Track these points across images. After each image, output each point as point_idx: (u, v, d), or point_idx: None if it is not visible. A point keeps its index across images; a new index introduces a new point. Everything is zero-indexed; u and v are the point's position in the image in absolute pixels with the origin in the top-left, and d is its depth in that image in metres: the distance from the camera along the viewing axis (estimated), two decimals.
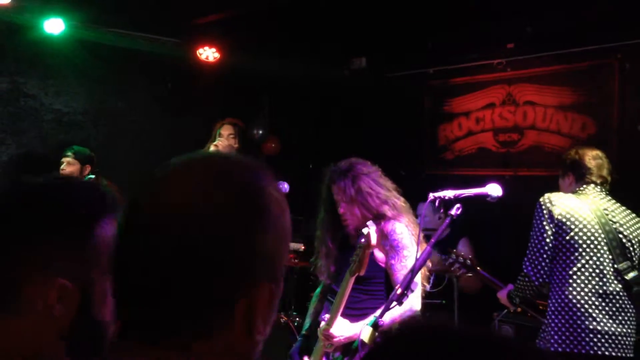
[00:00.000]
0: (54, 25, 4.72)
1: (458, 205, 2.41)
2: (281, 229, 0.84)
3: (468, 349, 0.62)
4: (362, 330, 2.31)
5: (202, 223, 0.77)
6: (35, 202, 1.05)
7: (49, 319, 1.01)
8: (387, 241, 2.83)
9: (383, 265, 2.87)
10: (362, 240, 2.66)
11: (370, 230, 2.63)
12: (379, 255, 2.87)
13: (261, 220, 0.81)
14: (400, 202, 2.94)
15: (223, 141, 4.19)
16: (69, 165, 4.52)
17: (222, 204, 0.79)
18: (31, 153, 5.13)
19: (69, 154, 4.57)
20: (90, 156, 4.66)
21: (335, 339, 2.73)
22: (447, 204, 2.47)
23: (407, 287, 2.28)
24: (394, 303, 2.28)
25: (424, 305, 2.89)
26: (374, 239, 2.62)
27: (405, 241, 2.82)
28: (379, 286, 2.90)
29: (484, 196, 2.57)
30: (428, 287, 3.03)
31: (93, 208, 1.05)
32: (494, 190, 2.57)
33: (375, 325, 2.26)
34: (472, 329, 0.65)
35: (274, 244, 0.82)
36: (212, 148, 4.09)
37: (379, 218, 2.86)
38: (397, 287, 2.31)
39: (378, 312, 2.37)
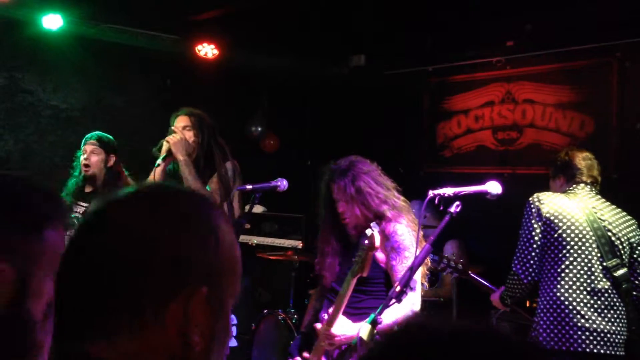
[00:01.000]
0: (53, 21, 4.70)
1: (457, 202, 2.41)
2: (209, 233, 0.88)
3: (470, 345, 0.61)
4: (361, 327, 2.31)
5: (128, 230, 0.83)
6: None
7: None
8: (388, 242, 2.83)
9: (383, 265, 2.87)
10: (366, 242, 2.65)
11: (374, 232, 2.63)
12: (380, 255, 2.87)
13: (184, 223, 0.86)
14: (400, 201, 2.94)
15: (175, 136, 3.64)
16: (92, 154, 3.96)
17: (147, 214, 0.85)
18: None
19: (93, 141, 4.01)
20: (115, 145, 4.13)
21: (336, 339, 2.73)
22: (447, 201, 2.46)
23: (406, 284, 2.28)
24: (393, 300, 2.28)
25: (422, 303, 2.89)
26: (377, 241, 2.62)
27: (406, 242, 2.82)
28: (379, 286, 2.91)
29: (484, 194, 2.57)
30: (427, 285, 3.04)
31: (42, 209, 1.12)
32: (493, 187, 2.57)
33: (373, 323, 2.26)
34: (472, 326, 0.65)
35: (202, 248, 0.86)
36: (164, 145, 3.63)
37: (379, 218, 2.86)
38: (396, 285, 2.31)
39: (377, 310, 2.37)
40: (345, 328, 2.75)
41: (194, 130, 3.71)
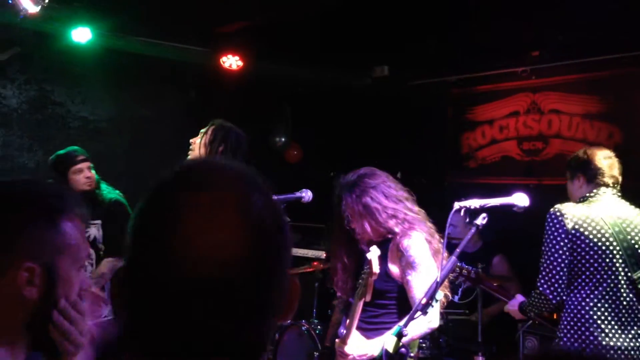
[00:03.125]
0: (81, 34, 4.78)
1: (484, 215, 2.38)
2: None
3: None
4: (387, 340, 2.29)
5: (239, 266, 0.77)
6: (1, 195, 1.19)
7: (18, 302, 1.11)
8: (403, 257, 2.76)
9: (399, 280, 2.82)
10: (366, 267, 2.63)
11: (373, 257, 2.60)
12: (394, 270, 2.82)
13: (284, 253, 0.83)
14: (413, 212, 2.86)
15: (196, 147, 3.54)
16: (88, 170, 4.16)
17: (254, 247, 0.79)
18: None
19: (87, 157, 4.21)
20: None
21: (349, 357, 2.71)
22: (473, 213, 2.44)
23: (433, 296, 2.26)
24: (419, 313, 2.27)
25: (447, 316, 2.86)
26: (375, 267, 2.60)
27: (422, 256, 2.75)
28: (394, 300, 2.86)
29: (510, 206, 2.53)
30: (456, 297, 2.99)
31: (52, 203, 1.18)
32: (520, 200, 2.52)
33: (399, 335, 2.25)
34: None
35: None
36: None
37: (391, 232, 2.81)
38: (422, 297, 2.30)
39: (402, 322, 2.35)
40: (360, 346, 2.72)
41: (217, 142, 3.58)
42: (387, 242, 2.85)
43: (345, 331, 2.75)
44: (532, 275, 3.22)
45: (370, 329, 2.80)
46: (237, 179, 0.83)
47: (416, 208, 2.90)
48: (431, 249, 2.79)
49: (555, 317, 3.55)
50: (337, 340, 2.80)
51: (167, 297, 0.75)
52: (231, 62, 5.66)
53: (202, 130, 3.66)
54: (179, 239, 0.75)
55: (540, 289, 3.05)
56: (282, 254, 0.82)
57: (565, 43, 4.95)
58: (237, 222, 0.77)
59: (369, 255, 2.61)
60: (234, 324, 0.76)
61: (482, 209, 2.41)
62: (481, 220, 2.38)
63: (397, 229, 2.78)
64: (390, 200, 2.81)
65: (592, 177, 3.14)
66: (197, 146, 3.53)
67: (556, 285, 3.00)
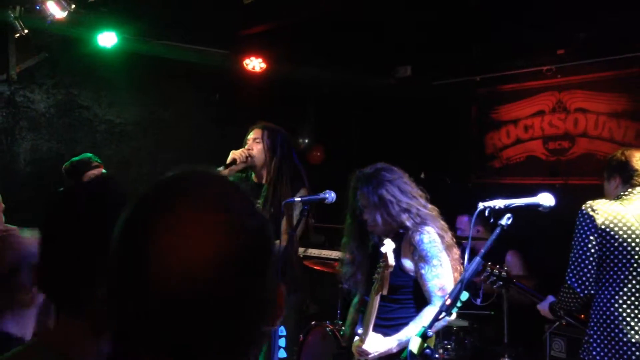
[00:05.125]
0: (107, 39, 4.86)
1: (509, 215, 2.36)
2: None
3: None
4: (411, 340, 2.29)
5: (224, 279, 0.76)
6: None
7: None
8: (416, 252, 2.81)
9: (412, 274, 2.85)
10: (381, 260, 2.64)
11: (387, 249, 2.61)
12: (407, 264, 2.85)
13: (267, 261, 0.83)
14: (426, 209, 2.90)
15: (248, 145, 3.84)
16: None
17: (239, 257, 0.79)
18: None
19: (101, 162, 4.34)
20: None
21: (370, 356, 2.72)
22: (497, 213, 2.42)
23: (457, 297, 2.25)
24: (443, 314, 2.26)
25: (473, 316, 2.85)
26: (391, 260, 2.61)
27: (434, 250, 2.80)
28: (409, 295, 2.89)
29: (535, 206, 2.51)
30: (478, 300, 2.99)
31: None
32: (546, 199, 2.50)
33: (424, 336, 2.24)
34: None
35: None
36: (230, 155, 3.75)
37: (403, 227, 2.84)
38: (446, 298, 2.29)
39: (427, 323, 2.35)
40: (378, 344, 2.73)
41: (263, 143, 3.82)
42: (400, 237, 2.87)
43: (362, 330, 2.76)
44: (551, 272, 3.19)
45: (387, 325, 2.81)
46: (218, 195, 0.82)
47: (429, 205, 2.95)
48: (443, 243, 2.82)
49: (582, 317, 3.51)
50: (355, 339, 2.80)
51: (145, 314, 0.75)
52: (254, 64, 5.69)
53: (252, 136, 3.83)
54: (154, 256, 0.75)
55: (569, 282, 3.06)
56: (263, 271, 0.81)
57: (590, 41, 4.88)
58: (215, 239, 0.77)
59: (383, 249, 2.63)
60: (213, 340, 0.77)
61: (507, 209, 2.39)
62: (506, 220, 2.36)
63: (408, 224, 2.83)
64: (405, 195, 2.86)
65: (629, 178, 3.16)
66: (258, 151, 3.77)
67: (584, 278, 3.01)
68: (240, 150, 3.82)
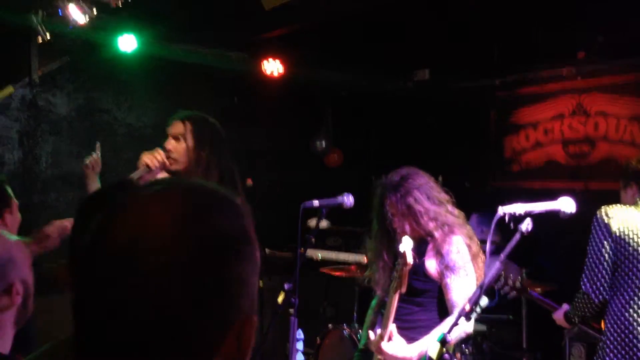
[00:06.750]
0: (127, 43, 4.91)
1: (529, 220, 2.34)
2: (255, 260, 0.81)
3: None
4: (430, 346, 2.28)
5: (183, 272, 0.73)
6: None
7: None
8: (443, 260, 2.80)
9: (437, 280, 2.84)
10: (399, 259, 2.64)
11: (406, 248, 2.60)
12: (432, 270, 2.84)
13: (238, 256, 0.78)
14: (453, 216, 2.89)
15: (167, 144, 2.97)
16: None
17: (200, 248, 0.75)
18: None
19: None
20: None
21: (388, 356, 2.71)
22: (517, 219, 2.39)
23: (476, 303, 2.24)
24: (462, 319, 2.25)
25: (491, 321, 2.84)
26: (409, 258, 2.60)
27: (462, 260, 2.79)
28: (431, 299, 2.89)
29: (556, 212, 2.47)
30: (494, 302, 2.97)
31: None
32: (567, 205, 2.46)
33: (443, 342, 2.23)
34: None
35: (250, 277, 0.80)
36: (152, 159, 2.91)
37: (429, 235, 2.83)
38: (465, 303, 2.28)
39: (446, 328, 2.34)
40: (399, 348, 2.71)
41: (188, 136, 2.96)
42: (426, 243, 2.87)
43: (381, 329, 2.75)
44: (570, 283, 3.17)
45: (406, 327, 2.80)
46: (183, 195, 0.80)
47: (456, 211, 2.93)
48: (470, 253, 2.81)
49: (596, 325, 3.48)
50: (373, 338, 2.79)
51: (98, 314, 0.74)
52: (272, 67, 5.71)
53: (171, 131, 2.98)
54: (102, 254, 0.74)
55: (583, 287, 3.05)
56: (228, 284, 0.76)
57: (611, 43, 4.83)
58: (168, 240, 0.74)
59: (401, 248, 2.62)
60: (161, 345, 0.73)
61: (527, 216, 2.37)
62: (526, 225, 2.34)
63: (436, 234, 2.82)
64: (432, 203, 2.85)
65: None
66: (180, 153, 2.95)
67: (598, 284, 2.99)
68: (155, 151, 2.96)
